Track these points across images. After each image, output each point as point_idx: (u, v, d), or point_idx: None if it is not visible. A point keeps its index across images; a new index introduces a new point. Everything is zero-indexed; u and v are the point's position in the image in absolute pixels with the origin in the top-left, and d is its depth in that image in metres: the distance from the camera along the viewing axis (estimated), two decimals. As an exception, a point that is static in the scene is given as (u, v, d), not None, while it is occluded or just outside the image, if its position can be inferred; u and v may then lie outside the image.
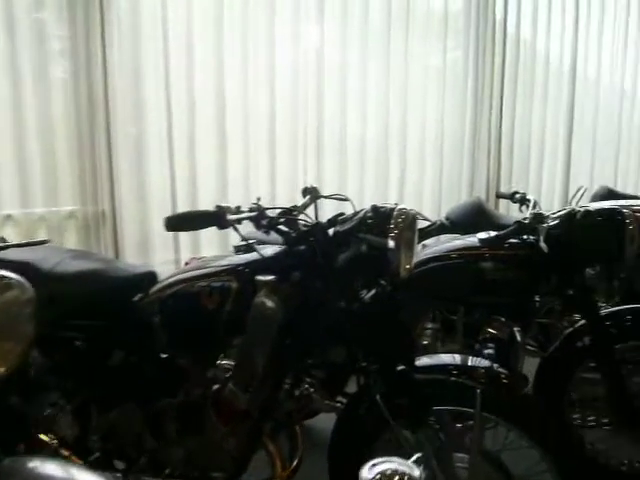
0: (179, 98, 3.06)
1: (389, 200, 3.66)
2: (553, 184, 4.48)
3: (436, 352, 2.38)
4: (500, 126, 4.14)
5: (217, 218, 1.56)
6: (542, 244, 2.11)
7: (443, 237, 3.35)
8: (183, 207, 3.03)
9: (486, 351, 2.38)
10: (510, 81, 4.21)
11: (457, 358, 1.77)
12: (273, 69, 3.27)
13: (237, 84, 3.20)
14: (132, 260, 3.05)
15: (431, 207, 3.86)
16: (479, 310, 2.37)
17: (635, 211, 2.98)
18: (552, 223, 2.23)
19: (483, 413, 1.65)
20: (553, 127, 4.50)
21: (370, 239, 1.62)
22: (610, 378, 2.29)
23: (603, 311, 2.36)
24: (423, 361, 1.79)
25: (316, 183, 3.40)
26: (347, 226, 1.68)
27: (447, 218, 3.34)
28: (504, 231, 2.10)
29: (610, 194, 3.85)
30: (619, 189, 4.82)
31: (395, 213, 1.62)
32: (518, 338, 2.31)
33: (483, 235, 2.29)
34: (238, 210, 1.61)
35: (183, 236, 3.14)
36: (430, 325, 2.49)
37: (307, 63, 3.39)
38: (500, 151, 4.15)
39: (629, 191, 4.88)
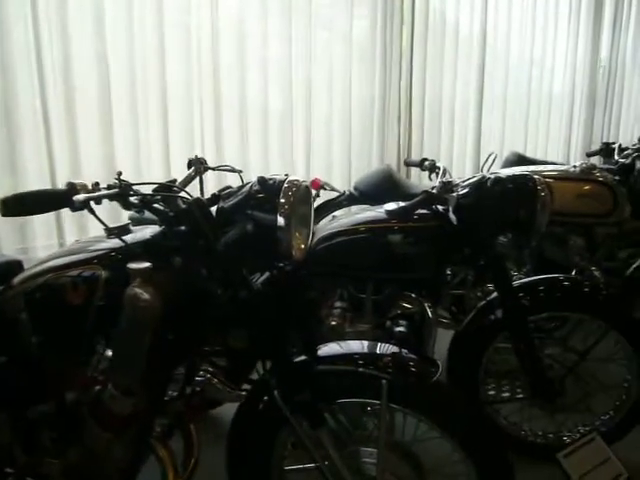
0: (54, 62, 2.70)
1: (297, 172, 3.44)
2: (464, 151, 4.41)
3: (344, 333, 2.23)
4: (410, 94, 4.01)
5: (66, 198, 1.29)
6: (451, 215, 1.96)
7: (354, 208, 3.21)
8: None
9: (398, 329, 2.26)
10: (419, 49, 4.09)
11: (364, 345, 1.60)
12: (163, 33, 2.95)
13: (123, 49, 2.85)
14: (10, 246, 2.70)
15: (341, 177, 3.69)
16: (389, 286, 2.22)
17: (546, 177, 2.95)
18: (462, 192, 2.10)
19: (391, 404, 1.49)
20: (464, 94, 4.43)
21: (257, 216, 1.41)
22: (523, 350, 2.21)
23: (516, 282, 2.26)
24: (326, 349, 1.62)
25: (215, 156, 3.18)
26: (232, 202, 1.46)
27: (356, 188, 3.18)
28: (411, 202, 1.93)
29: (520, 160, 3.82)
30: (529, 155, 4.85)
31: (285, 186, 1.41)
32: (429, 314, 2.18)
33: (391, 206, 2.14)
34: (95, 188, 1.34)
35: (69, 216, 2.81)
36: (339, 304, 2.31)
37: (201, 27, 3.08)
38: (411, 119, 4.02)
39: (538, 156, 4.91)
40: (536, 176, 2.14)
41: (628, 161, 2.88)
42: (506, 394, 2.36)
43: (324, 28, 3.62)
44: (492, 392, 2.37)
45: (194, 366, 1.74)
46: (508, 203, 2.05)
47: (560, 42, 5.09)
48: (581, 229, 2.95)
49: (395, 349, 1.59)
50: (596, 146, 5.41)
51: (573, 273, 3.00)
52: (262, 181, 1.44)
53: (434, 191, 1.99)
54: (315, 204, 3.24)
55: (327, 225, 2.33)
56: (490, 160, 3.99)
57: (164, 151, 3.02)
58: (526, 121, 4.88)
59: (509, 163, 3.85)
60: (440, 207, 2.10)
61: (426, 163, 2.47)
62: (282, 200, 1.40)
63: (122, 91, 2.89)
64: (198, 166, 1.89)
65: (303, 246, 1.50)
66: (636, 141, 3.26)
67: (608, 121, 5.49)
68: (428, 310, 2.19)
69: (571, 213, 2.86)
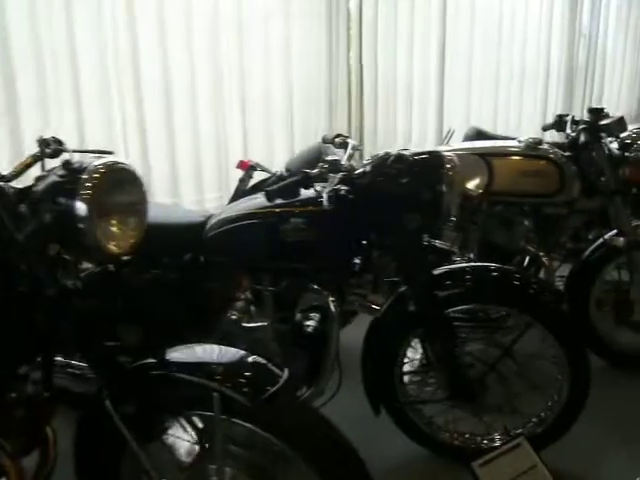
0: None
1: (230, 154, 3.21)
2: (425, 128, 4.14)
3: (243, 327, 2.04)
4: (361, 65, 3.73)
5: None
6: (324, 198, 1.74)
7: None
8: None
9: (307, 322, 2.06)
10: (369, 18, 3.78)
11: (213, 350, 1.40)
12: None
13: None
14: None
15: (284, 158, 3.44)
16: (287, 278, 2.01)
17: (487, 153, 2.71)
18: (358, 171, 1.87)
19: (233, 419, 1.29)
20: (422, 65, 4.14)
21: (59, 204, 1.21)
22: (440, 347, 1.99)
23: (437, 270, 2.03)
24: (175, 354, 1.42)
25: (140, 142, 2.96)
26: (39, 188, 1.26)
27: (287, 168, 2.96)
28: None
29: (479, 135, 3.58)
30: (500, 127, 4.58)
31: (89, 168, 1.20)
32: (332, 308, 1.97)
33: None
34: None
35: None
36: (242, 296, 2.12)
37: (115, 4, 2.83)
38: (362, 96, 3.77)
39: (511, 128, 4.65)
40: (448, 153, 1.91)
41: (575, 135, 2.62)
42: (428, 395, 2.15)
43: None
44: (412, 393, 2.16)
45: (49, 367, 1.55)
46: (408, 183, 1.82)
47: (533, 6, 4.77)
48: (528, 210, 2.72)
49: (244, 355, 1.38)
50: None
51: (521, 258, 2.80)
52: (67, 164, 1.23)
53: (314, 171, 1.76)
54: (247, 186, 3.10)
55: (224, 210, 2.12)
56: (448, 136, 3.76)
57: (79, 132, 2.81)
58: (496, 94, 4.61)
59: (468, 139, 3.61)
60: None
61: (337, 140, 2.24)
62: (86, 185, 1.19)
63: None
64: (43, 147, 1.67)
65: (131, 240, 1.29)
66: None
67: (590, 94, 5.18)
68: (331, 304, 1.98)
69: (514, 192, 2.64)
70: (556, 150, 2.65)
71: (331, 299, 2.00)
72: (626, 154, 2.61)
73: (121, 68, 2.86)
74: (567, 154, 2.68)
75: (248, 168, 2.97)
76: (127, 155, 2.93)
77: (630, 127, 3.56)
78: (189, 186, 3.14)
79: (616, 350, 2.83)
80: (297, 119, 3.51)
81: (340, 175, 1.84)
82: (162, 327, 2.08)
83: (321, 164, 1.79)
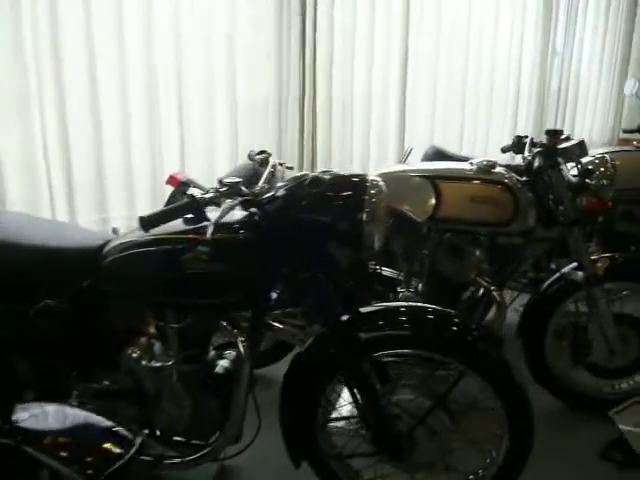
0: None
1: (165, 170, 2.96)
2: (385, 146, 3.91)
3: (145, 367, 1.80)
4: (314, 79, 3.50)
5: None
6: (209, 226, 1.51)
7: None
8: None
9: (218, 362, 1.85)
10: (324, 28, 3.54)
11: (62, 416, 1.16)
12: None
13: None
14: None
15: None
16: (197, 314, 1.77)
17: (436, 177, 2.49)
18: (268, 195, 1.65)
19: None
20: (383, 80, 3.91)
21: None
22: (363, 396, 1.76)
23: (365, 309, 1.81)
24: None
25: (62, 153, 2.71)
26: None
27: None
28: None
29: (438, 155, 3.39)
30: (466, 148, 4.39)
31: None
32: (241, 349, 1.74)
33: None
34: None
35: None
36: (147, 331, 1.87)
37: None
38: (315, 109, 3.52)
39: (478, 150, 4.46)
40: (372, 177, 1.68)
41: (531, 158, 2.42)
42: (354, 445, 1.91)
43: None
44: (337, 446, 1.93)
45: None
46: (323, 210, 1.60)
47: (503, 22, 4.58)
48: (481, 238, 2.50)
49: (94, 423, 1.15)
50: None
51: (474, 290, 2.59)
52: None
53: (210, 195, 1.53)
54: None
55: (128, 233, 1.88)
56: (407, 155, 3.55)
57: None
58: (462, 113, 4.40)
59: (427, 158, 3.43)
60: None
61: (258, 157, 2.02)
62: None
63: None
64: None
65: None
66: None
67: (562, 116, 5.00)
68: (240, 344, 1.75)
69: (464, 220, 2.43)
70: (511, 175, 2.45)
71: (241, 338, 1.77)
72: (587, 181, 2.41)
73: (41, 68, 2.60)
74: (524, 179, 2.48)
75: (179, 184, 2.73)
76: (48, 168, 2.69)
77: (600, 151, 3.44)
78: (119, 202, 2.89)
79: (574, 391, 2.63)
80: (242, 133, 3.27)
81: (238, 200, 1.61)
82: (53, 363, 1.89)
83: (216, 186, 1.57)
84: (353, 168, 3.67)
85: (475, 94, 4.43)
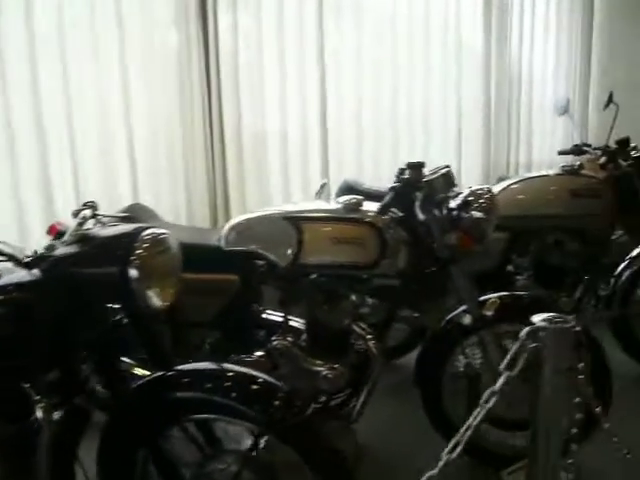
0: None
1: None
2: (307, 183, 3.74)
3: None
4: (221, 117, 3.38)
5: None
6: None
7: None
8: None
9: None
10: (229, 59, 3.42)
11: None
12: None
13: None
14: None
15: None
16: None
17: (303, 217, 2.33)
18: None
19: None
20: (300, 113, 3.73)
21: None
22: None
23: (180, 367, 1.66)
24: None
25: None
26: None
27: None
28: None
29: (350, 189, 3.25)
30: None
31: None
32: (40, 414, 1.61)
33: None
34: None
35: None
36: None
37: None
38: (224, 148, 3.39)
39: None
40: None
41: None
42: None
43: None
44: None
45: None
46: (90, 267, 1.52)
47: (436, 39, 4.35)
48: (356, 282, 2.33)
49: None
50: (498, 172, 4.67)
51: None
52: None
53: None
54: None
55: None
56: (321, 191, 3.41)
57: None
58: (396, 143, 4.18)
59: (341, 193, 3.27)
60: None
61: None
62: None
63: None
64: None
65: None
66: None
67: (516, 142, 4.75)
68: (39, 410, 1.61)
69: (327, 264, 2.26)
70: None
71: (41, 405, 1.62)
72: (462, 215, 2.22)
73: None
74: (399, 215, 2.30)
75: (56, 234, 2.62)
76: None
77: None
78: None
79: (474, 444, 2.39)
80: (142, 177, 3.16)
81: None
82: None
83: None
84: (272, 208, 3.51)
85: (408, 125, 4.23)
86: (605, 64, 5.15)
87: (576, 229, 3.20)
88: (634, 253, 3.33)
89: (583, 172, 3.20)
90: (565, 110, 3.47)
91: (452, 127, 4.40)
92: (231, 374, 1.65)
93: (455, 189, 2.49)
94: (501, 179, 4.16)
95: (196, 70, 3.30)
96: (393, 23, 4.11)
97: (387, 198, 2.18)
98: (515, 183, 3.23)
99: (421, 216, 2.22)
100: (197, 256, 2.41)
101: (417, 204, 2.18)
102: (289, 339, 2.38)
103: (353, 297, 2.34)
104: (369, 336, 2.29)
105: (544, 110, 4.90)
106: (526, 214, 3.12)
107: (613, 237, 3.60)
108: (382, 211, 2.19)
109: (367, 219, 2.23)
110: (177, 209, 3.31)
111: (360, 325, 2.32)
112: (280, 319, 2.43)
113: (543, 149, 4.84)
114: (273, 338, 2.38)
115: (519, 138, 4.68)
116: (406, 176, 2.18)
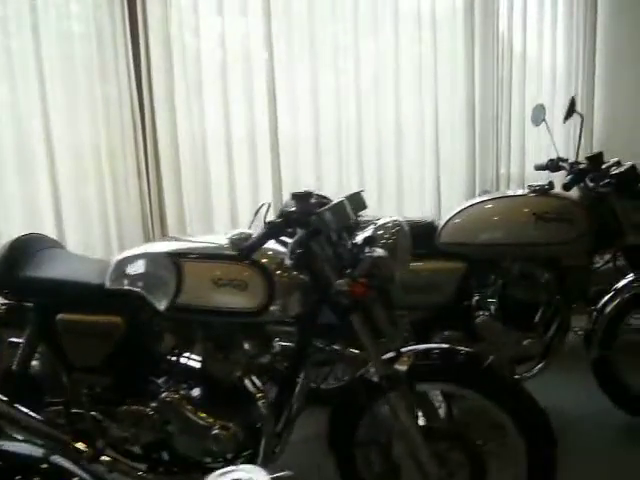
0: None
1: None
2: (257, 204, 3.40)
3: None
4: (155, 138, 3.10)
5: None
6: None
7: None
8: None
9: None
10: (163, 74, 3.15)
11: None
12: None
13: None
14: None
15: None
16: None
17: (184, 254, 2.03)
18: None
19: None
20: (247, 124, 3.42)
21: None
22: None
23: None
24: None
25: None
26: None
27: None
28: None
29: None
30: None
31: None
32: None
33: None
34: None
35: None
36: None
37: None
38: (159, 170, 3.11)
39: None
40: None
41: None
42: None
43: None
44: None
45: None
46: None
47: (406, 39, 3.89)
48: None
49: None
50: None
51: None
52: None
53: None
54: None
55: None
56: (262, 213, 3.11)
57: None
58: (361, 155, 3.77)
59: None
60: None
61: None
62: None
63: None
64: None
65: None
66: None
67: (507, 152, 4.30)
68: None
69: (205, 308, 1.95)
70: (275, 250, 1.95)
71: None
72: (361, 255, 1.87)
73: None
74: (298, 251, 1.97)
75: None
76: None
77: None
78: None
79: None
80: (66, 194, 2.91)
81: None
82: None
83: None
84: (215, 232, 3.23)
85: (377, 131, 3.81)
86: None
87: (547, 258, 2.80)
88: (620, 284, 2.93)
89: (554, 193, 2.81)
90: (541, 119, 3.03)
91: (429, 138, 3.96)
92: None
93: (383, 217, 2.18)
94: (486, 192, 3.77)
95: (125, 81, 3.04)
96: (358, 20, 3.72)
97: (257, 236, 1.86)
98: (474, 205, 2.85)
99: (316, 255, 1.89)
100: (79, 295, 2.21)
101: (300, 241, 1.85)
102: (181, 391, 2.09)
103: (247, 346, 2.03)
104: (259, 394, 1.97)
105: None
106: (485, 241, 2.74)
107: (597, 266, 3.23)
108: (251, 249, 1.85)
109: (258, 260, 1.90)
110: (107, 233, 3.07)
111: (252, 379, 2.01)
112: (195, 364, 2.17)
113: (540, 160, 4.39)
114: (162, 389, 2.10)
115: (510, 148, 4.22)
116: (291, 209, 1.86)
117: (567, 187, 2.72)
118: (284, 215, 1.84)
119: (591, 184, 2.71)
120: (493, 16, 4.15)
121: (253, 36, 3.39)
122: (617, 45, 4.68)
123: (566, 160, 2.94)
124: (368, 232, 1.93)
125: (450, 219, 2.80)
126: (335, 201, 1.91)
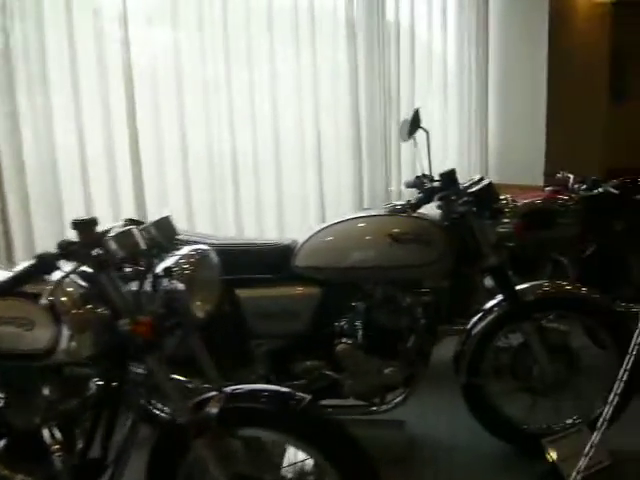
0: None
1: None
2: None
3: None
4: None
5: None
6: None
7: None
8: None
9: None
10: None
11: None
12: None
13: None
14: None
15: None
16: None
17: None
18: None
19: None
20: (102, 140, 3.18)
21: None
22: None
23: None
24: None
25: None
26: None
27: None
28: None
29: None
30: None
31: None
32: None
33: None
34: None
35: None
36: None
37: None
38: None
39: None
40: None
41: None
42: None
43: None
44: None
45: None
46: None
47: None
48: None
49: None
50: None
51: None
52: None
53: None
54: None
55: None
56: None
57: None
58: (235, 182, 3.58)
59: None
60: None
61: None
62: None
63: None
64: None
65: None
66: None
67: (397, 165, 4.20)
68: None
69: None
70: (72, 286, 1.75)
71: None
72: (158, 288, 1.69)
73: None
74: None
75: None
76: None
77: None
78: None
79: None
80: None
81: None
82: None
83: None
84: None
85: (253, 149, 3.63)
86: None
87: (408, 281, 2.69)
88: (488, 305, 2.84)
89: (417, 212, 2.69)
90: (407, 134, 2.87)
91: (310, 154, 3.82)
92: None
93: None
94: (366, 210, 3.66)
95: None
96: (228, 26, 3.53)
97: (19, 271, 1.67)
98: (331, 226, 2.68)
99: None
100: None
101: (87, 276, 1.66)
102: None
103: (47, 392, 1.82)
104: (55, 446, 1.76)
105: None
106: (339, 265, 2.60)
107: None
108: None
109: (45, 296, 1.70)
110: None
111: (52, 429, 1.80)
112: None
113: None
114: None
115: (400, 164, 4.12)
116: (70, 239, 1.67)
117: (415, 207, 2.61)
118: (62, 246, 1.65)
119: (448, 203, 2.62)
120: (379, 29, 4.09)
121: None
122: (508, 55, 4.71)
123: (431, 177, 2.84)
124: (168, 262, 1.75)
125: (306, 241, 2.66)
126: (123, 229, 1.73)
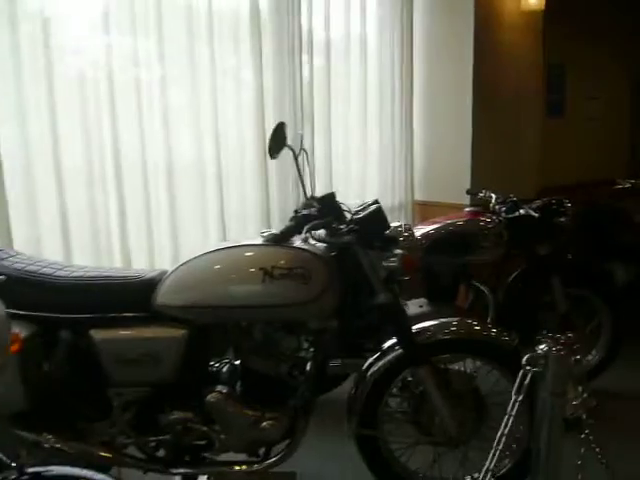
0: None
1: None
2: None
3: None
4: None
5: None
6: None
7: None
8: None
9: None
10: None
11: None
12: None
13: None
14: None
15: None
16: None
17: None
18: None
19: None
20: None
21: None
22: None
23: None
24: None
25: None
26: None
27: None
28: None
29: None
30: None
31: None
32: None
33: None
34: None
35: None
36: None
37: None
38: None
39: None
40: None
41: None
42: None
43: None
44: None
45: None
46: None
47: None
48: None
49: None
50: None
51: None
52: None
53: None
54: None
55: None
56: None
57: None
58: (105, 205, 3.20)
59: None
60: None
61: None
62: None
63: None
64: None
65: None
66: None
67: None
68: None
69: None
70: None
71: None
72: None
73: None
74: None
75: None
76: None
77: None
78: None
79: None
80: None
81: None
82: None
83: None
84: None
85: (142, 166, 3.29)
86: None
87: (287, 322, 2.36)
88: (387, 344, 2.52)
89: (295, 243, 2.35)
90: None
91: (210, 172, 3.49)
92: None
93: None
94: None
95: None
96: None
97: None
98: (196, 258, 2.28)
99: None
100: None
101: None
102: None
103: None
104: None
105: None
106: (201, 303, 2.24)
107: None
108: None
109: None
110: None
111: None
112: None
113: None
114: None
115: (315, 178, 3.79)
116: None
117: (284, 237, 2.27)
118: None
119: (331, 232, 2.29)
120: (294, 37, 3.81)
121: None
122: (433, 70, 4.49)
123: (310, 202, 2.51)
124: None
125: (167, 276, 2.31)
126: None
